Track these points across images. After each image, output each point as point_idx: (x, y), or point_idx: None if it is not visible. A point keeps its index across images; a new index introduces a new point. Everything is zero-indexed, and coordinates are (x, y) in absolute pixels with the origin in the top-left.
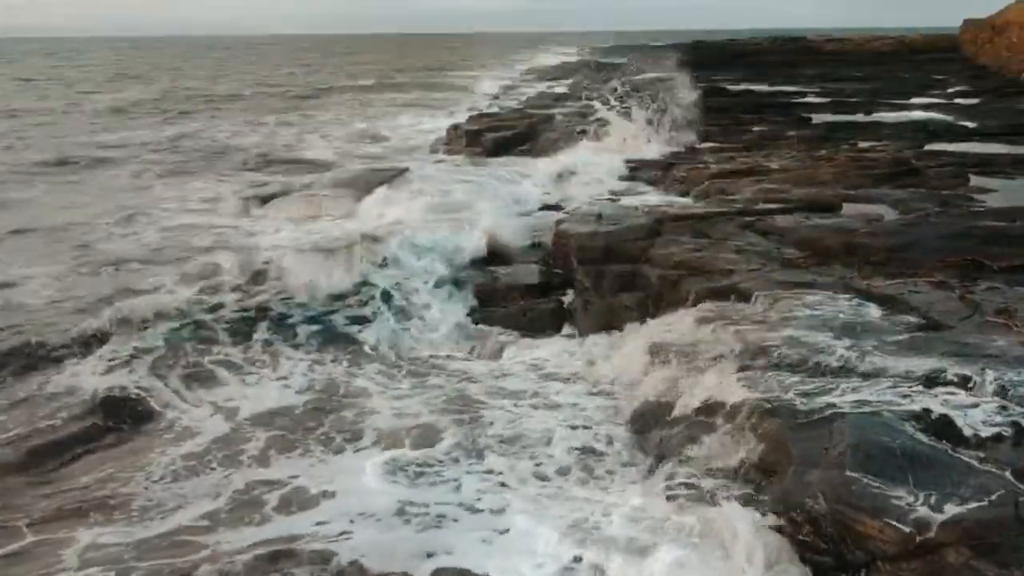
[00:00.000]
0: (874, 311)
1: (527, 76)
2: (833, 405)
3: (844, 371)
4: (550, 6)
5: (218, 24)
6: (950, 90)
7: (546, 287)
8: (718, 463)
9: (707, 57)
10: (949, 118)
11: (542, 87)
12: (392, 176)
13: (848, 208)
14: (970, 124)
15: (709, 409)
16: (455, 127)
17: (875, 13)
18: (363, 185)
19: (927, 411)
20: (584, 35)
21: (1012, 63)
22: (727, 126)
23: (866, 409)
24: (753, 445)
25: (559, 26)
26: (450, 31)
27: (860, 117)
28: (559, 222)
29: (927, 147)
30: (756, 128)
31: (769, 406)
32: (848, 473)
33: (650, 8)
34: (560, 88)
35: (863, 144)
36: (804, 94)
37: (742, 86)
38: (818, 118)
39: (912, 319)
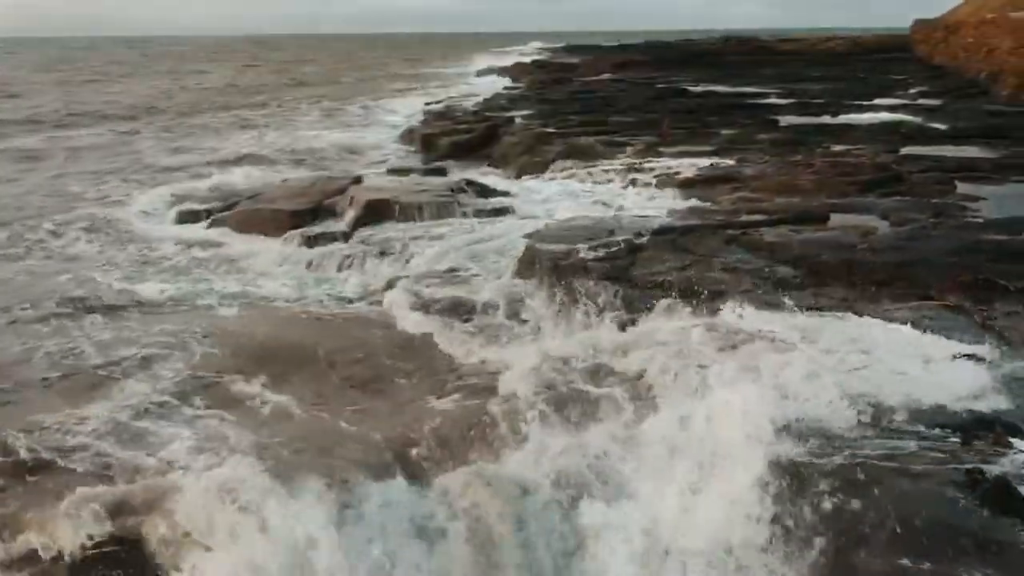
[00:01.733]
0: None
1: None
2: (865, 463)
3: (870, 418)
4: (538, 8)
5: (179, 25)
6: (912, 91)
7: None
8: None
9: (663, 58)
10: (918, 119)
11: (500, 87)
12: (345, 185)
13: (836, 219)
14: (941, 126)
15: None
16: (410, 130)
17: (811, 13)
18: (317, 194)
19: (979, 472)
20: (559, 35)
21: (969, 63)
22: (693, 129)
23: (904, 467)
24: (774, 512)
25: (544, 26)
26: (436, 31)
27: (827, 119)
28: (529, 236)
29: (903, 150)
30: (724, 131)
31: (789, 465)
32: (905, 561)
33: (602, 11)
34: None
35: (837, 147)
36: (767, 95)
37: (702, 87)
38: (785, 120)
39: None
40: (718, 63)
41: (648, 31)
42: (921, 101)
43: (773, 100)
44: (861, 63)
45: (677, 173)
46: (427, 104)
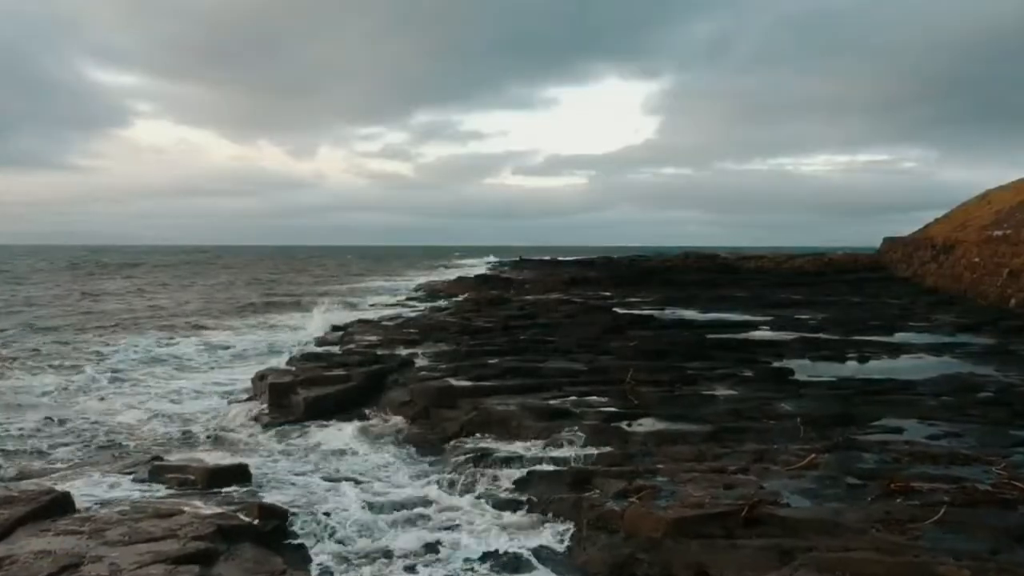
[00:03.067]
0: None
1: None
2: None
3: None
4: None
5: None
6: (933, 321)
7: None
8: None
9: (620, 275)
10: (991, 372)
11: (426, 307)
12: None
13: None
14: None
15: None
16: (261, 376)
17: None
18: None
19: None
20: (511, 250)
21: (984, 287)
22: (667, 384)
23: None
24: None
25: (499, 241)
26: (403, 243)
27: (852, 366)
28: None
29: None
30: (720, 391)
31: None
32: None
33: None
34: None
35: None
36: (753, 324)
37: (671, 311)
38: (796, 364)
39: None
40: (679, 281)
41: (600, 247)
42: (963, 338)
43: (765, 333)
44: (841, 284)
45: (653, 491)
46: (328, 330)
